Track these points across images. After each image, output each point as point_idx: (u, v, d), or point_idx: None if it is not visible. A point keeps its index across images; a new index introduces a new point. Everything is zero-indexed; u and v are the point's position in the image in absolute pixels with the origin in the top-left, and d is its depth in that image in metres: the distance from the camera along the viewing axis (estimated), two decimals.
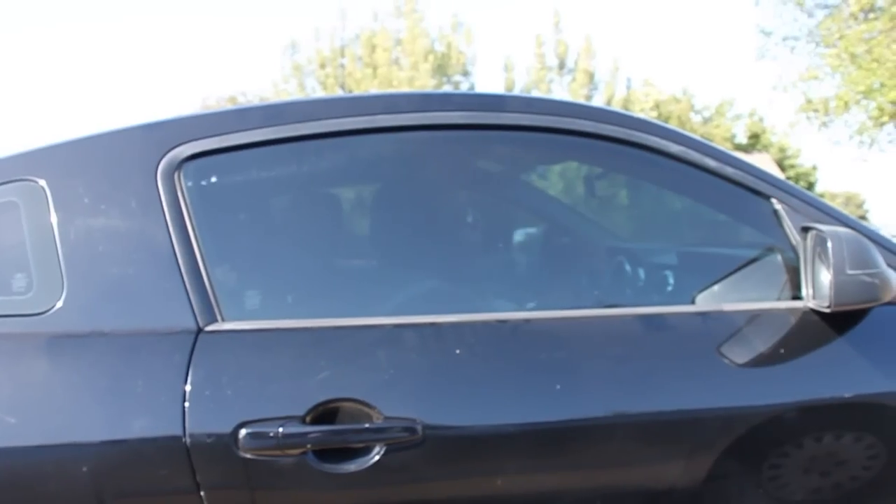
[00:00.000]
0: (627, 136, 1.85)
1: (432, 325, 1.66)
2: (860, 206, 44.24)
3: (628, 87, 23.25)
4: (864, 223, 1.91)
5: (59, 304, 1.58)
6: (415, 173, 2.10)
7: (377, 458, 1.51)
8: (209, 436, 1.48)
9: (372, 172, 2.24)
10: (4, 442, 1.47)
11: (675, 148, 1.85)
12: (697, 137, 1.91)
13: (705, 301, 1.85)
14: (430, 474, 1.56)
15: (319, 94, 20.56)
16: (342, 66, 21.90)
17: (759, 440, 1.66)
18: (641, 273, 2.57)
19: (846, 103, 16.62)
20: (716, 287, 1.88)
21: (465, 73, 22.10)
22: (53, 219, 1.64)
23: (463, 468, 1.58)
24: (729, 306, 1.76)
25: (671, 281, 2.34)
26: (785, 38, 17.82)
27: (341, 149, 1.94)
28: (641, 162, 1.94)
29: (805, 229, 1.79)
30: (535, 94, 19.54)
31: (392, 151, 2.00)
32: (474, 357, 1.62)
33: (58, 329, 1.56)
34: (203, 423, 1.48)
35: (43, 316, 1.58)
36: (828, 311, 1.67)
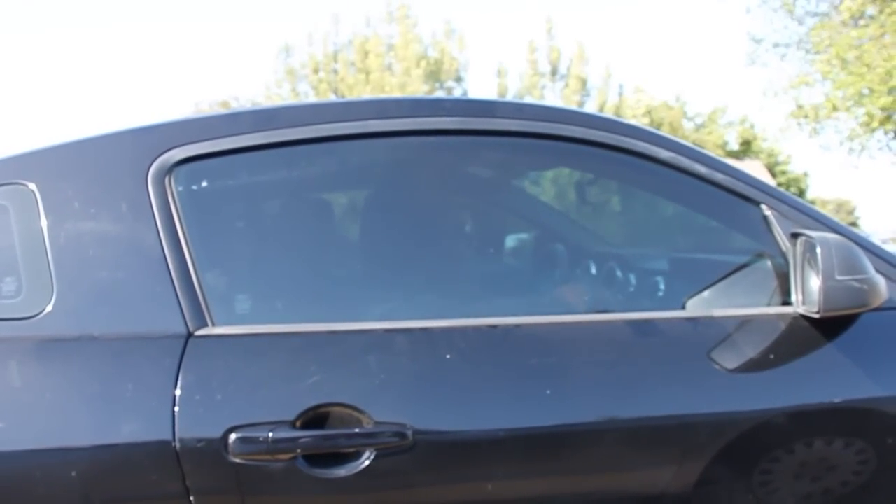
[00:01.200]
0: (618, 141, 1.86)
1: (423, 329, 1.66)
2: (851, 212, 44.42)
3: (620, 94, 23.34)
4: (853, 229, 1.92)
5: (49, 308, 1.58)
6: (405, 178, 2.10)
7: (367, 462, 1.50)
8: (199, 440, 1.47)
9: (363, 177, 2.24)
10: None
11: (665, 154, 1.86)
12: (687, 143, 1.92)
13: (695, 307, 1.86)
14: (421, 479, 1.56)
15: (312, 98, 20.58)
16: (335, 71, 21.93)
17: (749, 445, 1.66)
18: (632, 278, 2.58)
19: (834, 105, 16.68)
20: (706, 293, 1.88)
21: (458, 79, 22.16)
22: (43, 222, 1.64)
23: (453, 473, 1.58)
24: (719, 312, 1.77)
25: (662, 287, 2.35)
26: (776, 45, 17.90)
27: (332, 154, 1.94)
28: (632, 168, 1.94)
29: (794, 235, 1.79)
30: (528, 100, 19.59)
31: (383, 157, 2.00)
32: (465, 362, 1.62)
33: (47, 333, 1.56)
34: (193, 427, 1.48)
35: (32, 320, 1.57)
36: (817, 316, 1.67)
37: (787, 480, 1.69)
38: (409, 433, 1.52)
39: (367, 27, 22.07)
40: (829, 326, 1.73)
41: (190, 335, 1.57)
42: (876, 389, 1.73)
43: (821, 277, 1.65)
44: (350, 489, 1.51)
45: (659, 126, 23.52)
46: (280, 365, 1.58)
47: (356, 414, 1.52)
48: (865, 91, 15.96)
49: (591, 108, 22.06)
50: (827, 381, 1.72)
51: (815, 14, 17.21)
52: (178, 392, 1.50)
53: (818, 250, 1.66)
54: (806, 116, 17.44)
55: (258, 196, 2.03)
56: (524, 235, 3.10)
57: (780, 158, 38.79)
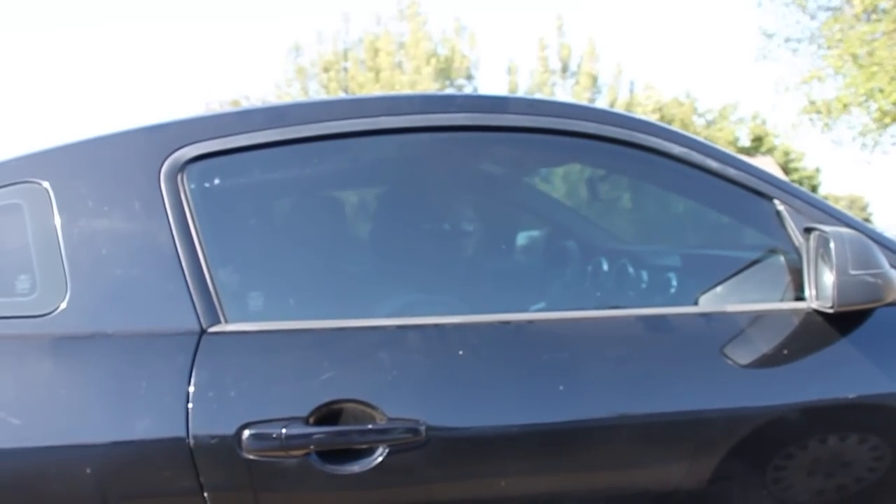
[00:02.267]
0: (630, 137, 1.85)
1: (435, 326, 1.66)
2: (864, 208, 44.18)
3: (631, 91, 23.27)
4: (866, 224, 1.91)
5: (63, 305, 1.58)
6: (417, 175, 2.10)
7: (380, 459, 1.51)
8: (213, 437, 1.48)
9: (374, 174, 2.24)
10: (9, 443, 1.47)
11: (677, 149, 1.85)
12: (700, 139, 1.91)
13: (708, 302, 1.85)
14: (434, 476, 1.56)
15: (322, 97, 20.58)
16: (345, 69, 21.94)
17: (762, 441, 1.65)
18: (645, 275, 2.57)
19: (845, 105, 16.59)
20: (719, 288, 1.88)
21: (469, 77, 22.12)
22: (57, 221, 1.64)
23: (466, 469, 1.58)
24: (732, 307, 1.76)
25: (674, 282, 2.34)
26: (787, 40, 17.80)
27: (343, 150, 1.94)
28: (644, 163, 1.94)
29: (808, 230, 1.78)
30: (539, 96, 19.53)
31: (394, 153, 2.00)
32: (477, 358, 1.62)
33: (61, 330, 1.57)
34: (206, 424, 1.49)
35: (47, 317, 1.58)
36: (831, 311, 1.67)
37: (801, 477, 1.68)
38: (423, 429, 1.52)
39: (378, 25, 22.07)
40: (843, 321, 1.72)
41: (203, 332, 1.58)
42: (890, 385, 1.72)
43: (834, 272, 1.64)
44: (363, 485, 1.52)
45: (670, 123, 23.42)
46: (293, 361, 1.58)
47: (369, 410, 1.53)
48: (877, 88, 15.86)
49: (601, 105, 22.01)
50: (841, 377, 1.71)
51: (828, 8, 17.12)
52: (191, 389, 1.50)
53: (832, 245, 1.65)
54: (818, 112, 17.34)
55: (270, 193, 2.03)
56: (536, 232, 3.09)
57: (793, 155, 38.58)
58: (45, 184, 1.67)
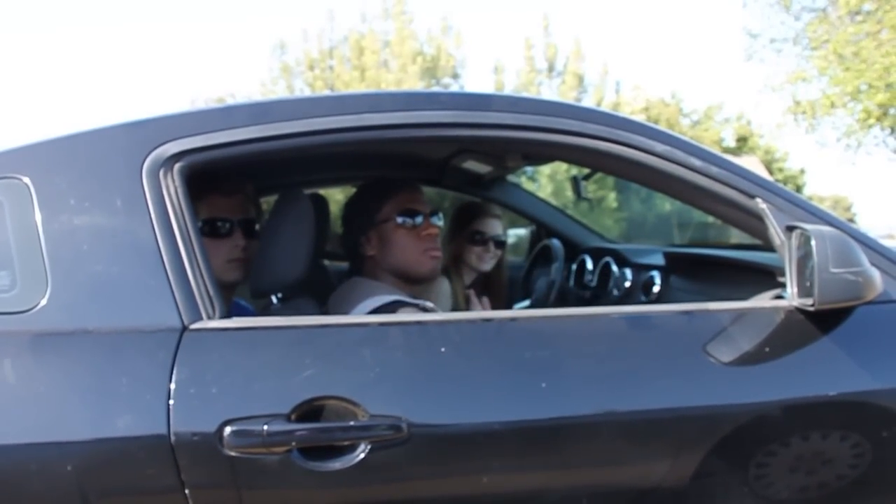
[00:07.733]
0: (612, 135, 1.85)
1: (418, 323, 1.66)
2: (848, 209, 44.40)
3: (617, 91, 23.31)
4: (847, 222, 1.92)
5: (43, 301, 1.57)
6: (401, 172, 2.10)
7: (362, 455, 1.50)
8: (194, 434, 1.47)
9: (357, 171, 2.24)
10: None
11: (660, 147, 1.85)
12: (682, 137, 1.91)
13: (691, 300, 1.86)
14: (416, 472, 1.56)
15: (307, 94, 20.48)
16: (330, 67, 21.87)
17: (744, 438, 1.66)
18: (628, 273, 2.58)
19: (832, 102, 16.67)
20: (701, 286, 1.88)
21: (455, 76, 22.09)
22: (37, 216, 1.63)
23: (448, 466, 1.58)
24: (714, 305, 1.77)
25: (657, 280, 2.34)
26: (772, 41, 17.89)
27: (327, 148, 1.93)
28: (627, 161, 1.94)
29: (790, 228, 1.79)
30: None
31: (378, 150, 1.99)
32: (460, 355, 1.62)
33: (42, 327, 1.56)
34: (188, 421, 1.48)
35: (27, 314, 1.57)
36: (812, 309, 1.67)
37: (783, 474, 1.69)
38: (405, 426, 1.52)
39: (363, 24, 21.98)
40: (824, 319, 1.73)
41: (184, 329, 1.57)
42: (871, 382, 1.73)
43: (816, 270, 1.64)
44: (345, 482, 1.51)
45: (655, 123, 23.38)
46: (275, 358, 1.58)
47: (351, 407, 1.52)
48: (863, 87, 15.94)
49: (588, 104, 21.98)
50: (822, 374, 1.72)
51: (812, 9, 17.21)
52: (172, 386, 1.49)
53: (813, 243, 1.66)
54: (804, 112, 17.42)
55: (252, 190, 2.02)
56: (522, 230, 3.10)
57: (777, 155, 38.71)
58: (26, 179, 1.66)
